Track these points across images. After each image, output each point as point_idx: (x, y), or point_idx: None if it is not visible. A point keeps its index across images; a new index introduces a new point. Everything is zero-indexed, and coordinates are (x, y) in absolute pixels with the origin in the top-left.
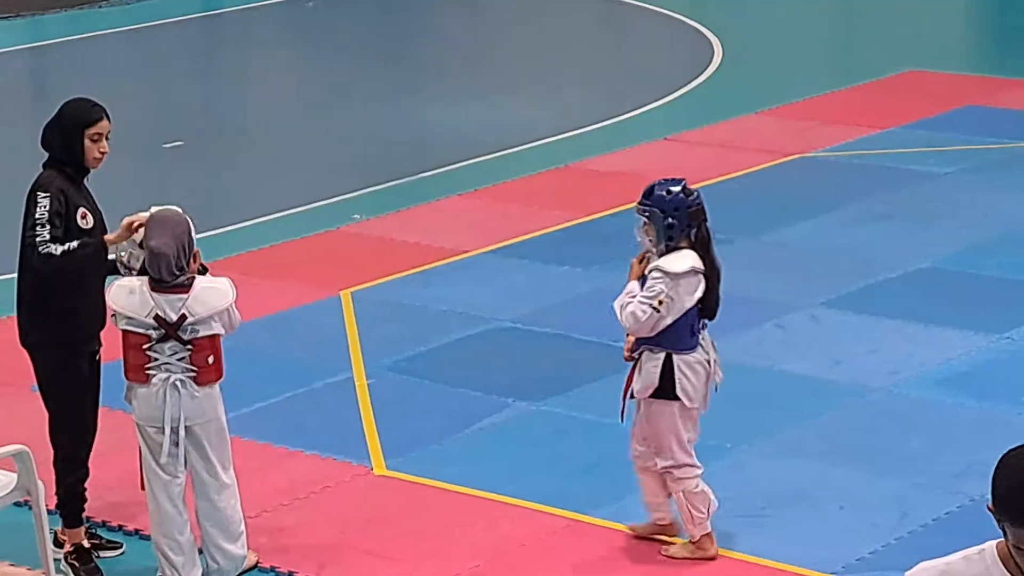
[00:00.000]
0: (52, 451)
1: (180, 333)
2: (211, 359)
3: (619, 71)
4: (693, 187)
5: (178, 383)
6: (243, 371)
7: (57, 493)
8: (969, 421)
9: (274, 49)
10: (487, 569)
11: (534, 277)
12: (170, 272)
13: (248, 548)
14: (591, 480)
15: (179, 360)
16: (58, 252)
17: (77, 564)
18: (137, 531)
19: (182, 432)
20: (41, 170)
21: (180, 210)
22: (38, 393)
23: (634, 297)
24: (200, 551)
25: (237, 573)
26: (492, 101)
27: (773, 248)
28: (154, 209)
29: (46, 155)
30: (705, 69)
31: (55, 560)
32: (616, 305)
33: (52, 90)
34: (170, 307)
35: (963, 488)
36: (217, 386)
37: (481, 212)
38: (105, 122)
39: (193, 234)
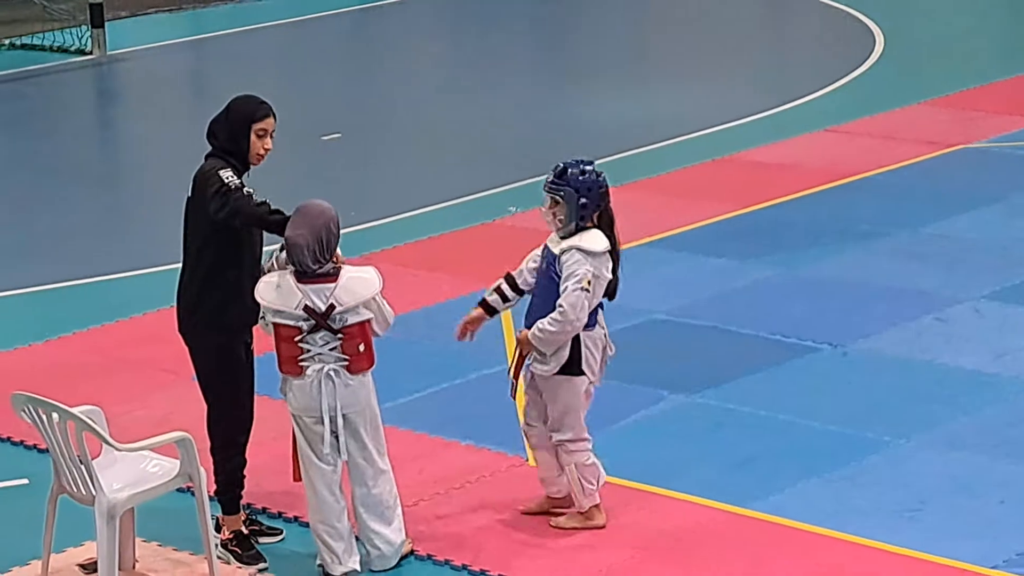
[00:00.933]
0: (210, 439)
1: (330, 323)
2: (362, 347)
3: (781, 61)
4: (854, 179)
5: (332, 373)
6: (400, 362)
7: (216, 480)
8: None
9: (432, 39)
10: (640, 561)
11: (691, 269)
12: (305, 263)
13: (405, 535)
14: (747, 473)
15: (331, 350)
16: (257, 199)
17: (239, 550)
18: (296, 518)
19: (339, 421)
20: (204, 160)
21: (327, 203)
22: (198, 383)
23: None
24: (357, 538)
25: (398, 558)
26: (651, 91)
27: (935, 240)
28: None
29: (208, 148)
30: (867, 59)
31: (216, 546)
32: (559, 318)
33: (213, 83)
34: (318, 297)
35: None
36: (370, 374)
37: (639, 204)
38: (271, 119)
39: (337, 227)
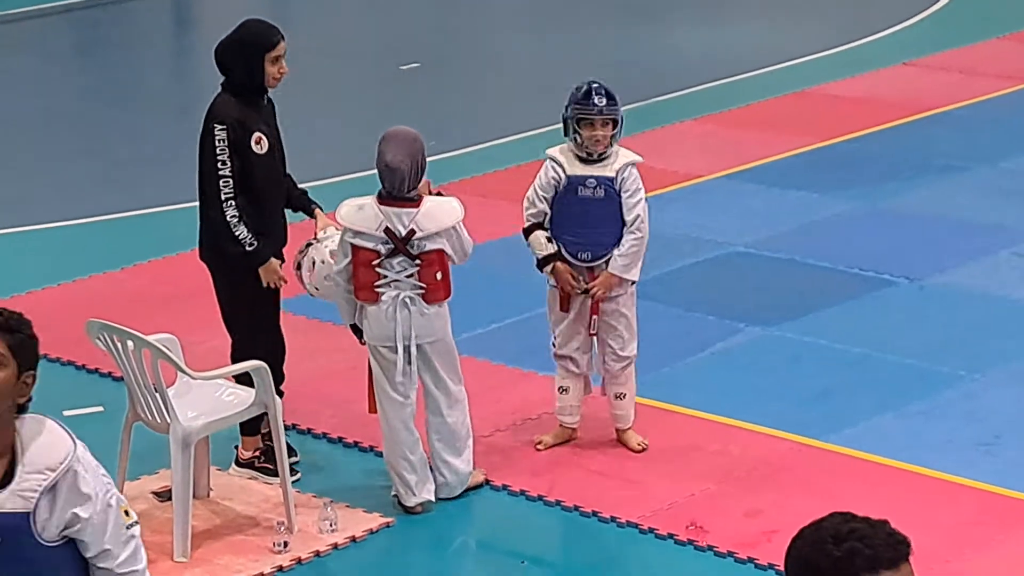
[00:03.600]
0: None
1: (408, 248)
2: (439, 275)
3: None
4: (932, 113)
5: (407, 300)
6: (479, 292)
7: None
8: None
9: None
10: (718, 491)
11: (769, 202)
12: (402, 187)
13: (475, 466)
14: (824, 406)
15: (408, 277)
16: (240, 236)
17: (269, 466)
18: (372, 447)
19: (413, 350)
20: (219, 91)
21: (414, 131)
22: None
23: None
24: (431, 468)
25: (463, 488)
26: (730, 26)
27: (1012, 175)
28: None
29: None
30: None
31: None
32: (638, 235)
33: (291, 9)
34: (399, 220)
35: None
36: (446, 304)
37: (717, 137)
38: (283, 44)
39: (426, 154)
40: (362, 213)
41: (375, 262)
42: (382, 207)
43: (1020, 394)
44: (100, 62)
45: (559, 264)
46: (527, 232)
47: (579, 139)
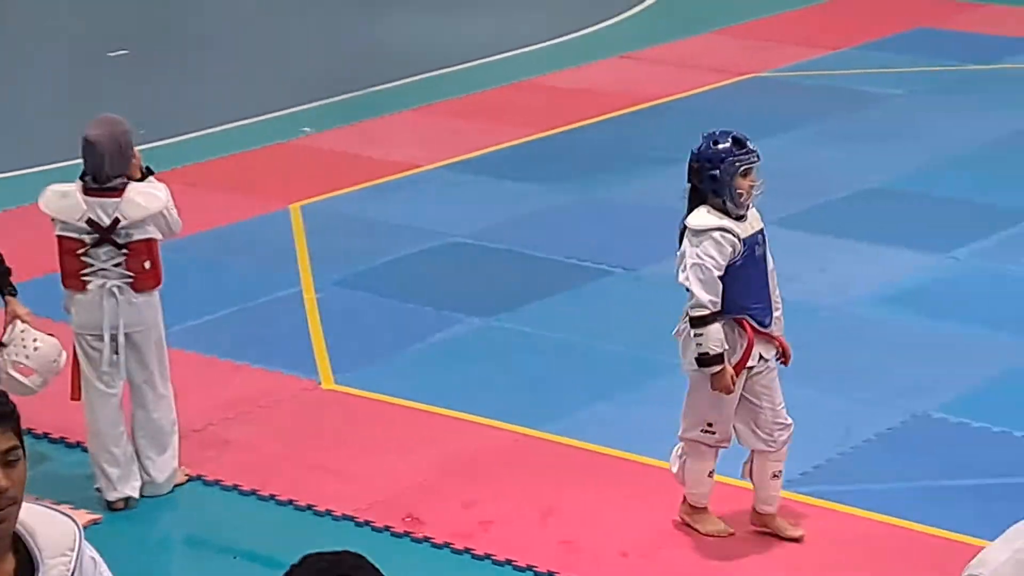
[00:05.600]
0: None
1: (114, 237)
2: (148, 264)
3: None
4: (648, 105)
5: (115, 289)
6: (191, 284)
7: None
8: (915, 338)
9: None
10: (434, 484)
11: (487, 192)
12: (102, 167)
13: (179, 464)
14: (541, 395)
15: (115, 266)
16: None
17: None
18: (79, 443)
19: (121, 339)
20: None
21: (120, 117)
22: None
23: None
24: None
25: (170, 486)
26: (450, 16)
27: None
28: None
29: None
30: None
31: None
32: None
33: None
34: (103, 210)
35: (907, 404)
36: (156, 294)
37: (436, 127)
38: None
39: (132, 139)
40: (65, 202)
41: (80, 251)
42: (86, 197)
43: None
44: None
45: (728, 366)
46: (705, 321)
47: (738, 194)
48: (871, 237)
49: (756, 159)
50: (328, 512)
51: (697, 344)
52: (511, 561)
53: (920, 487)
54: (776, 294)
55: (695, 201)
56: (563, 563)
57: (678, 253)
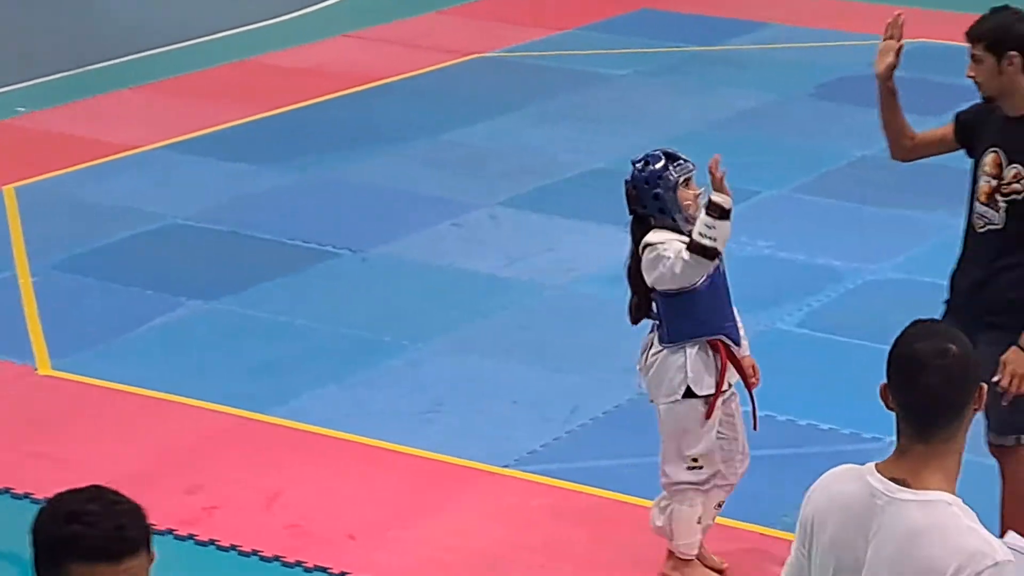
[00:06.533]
0: None
1: None
2: None
3: None
4: (374, 85)
5: None
6: None
7: None
8: None
9: None
10: (156, 470)
11: (210, 173)
12: None
13: None
14: (268, 379)
15: None
16: None
17: None
18: None
19: None
20: None
21: None
22: None
23: None
24: None
25: None
26: None
27: (452, 147)
28: None
29: None
30: None
31: None
32: None
33: None
34: None
35: (632, 382)
36: None
37: (157, 106)
38: None
39: None
40: None
41: None
42: None
43: (461, 362)
44: None
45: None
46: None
47: (685, 206)
48: (598, 217)
49: (693, 166)
50: (47, 500)
51: (711, 239)
52: (236, 546)
53: (647, 463)
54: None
55: (640, 230)
56: (289, 547)
57: (631, 282)
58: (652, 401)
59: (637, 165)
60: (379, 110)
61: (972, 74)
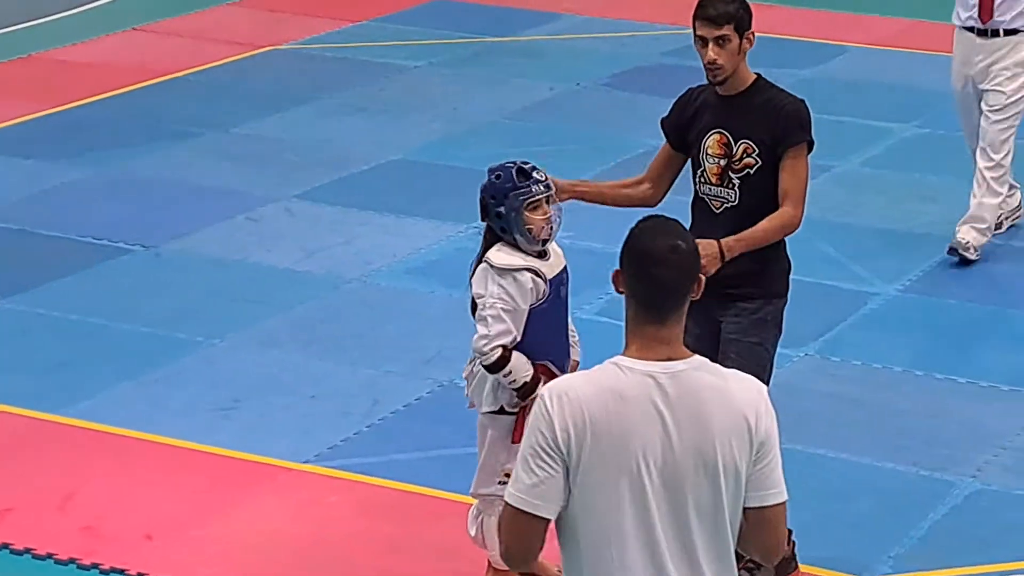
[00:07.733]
0: None
1: None
2: None
3: None
4: (165, 79)
5: None
6: None
7: None
8: (439, 309)
9: None
10: None
11: None
12: None
13: None
14: (60, 379)
15: None
16: None
17: None
18: None
19: None
20: None
21: None
22: None
23: None
24: None
25: None
26: None
27: (246, 141)
28: None
29: None
30: None
31: None
32: None
33: None
34: None
35: (432, 374)
36: None
37: None
38: None
39: None
40: None
41: None
42: None
43: (259, 357)
44: None
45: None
46: (505, 359)
47: (527, 230)
48: (395, 209)
49: (544, 190)
50: None
51: (511, 383)
52: (30, 550)
53: (449, 455)
54: (571, 327)
55: (490, 239)
56: (85, 549)
57: (471, 284)
58: (472, 407)
59: (490, 176)
60: (171, 104)
61: (715, 56)
